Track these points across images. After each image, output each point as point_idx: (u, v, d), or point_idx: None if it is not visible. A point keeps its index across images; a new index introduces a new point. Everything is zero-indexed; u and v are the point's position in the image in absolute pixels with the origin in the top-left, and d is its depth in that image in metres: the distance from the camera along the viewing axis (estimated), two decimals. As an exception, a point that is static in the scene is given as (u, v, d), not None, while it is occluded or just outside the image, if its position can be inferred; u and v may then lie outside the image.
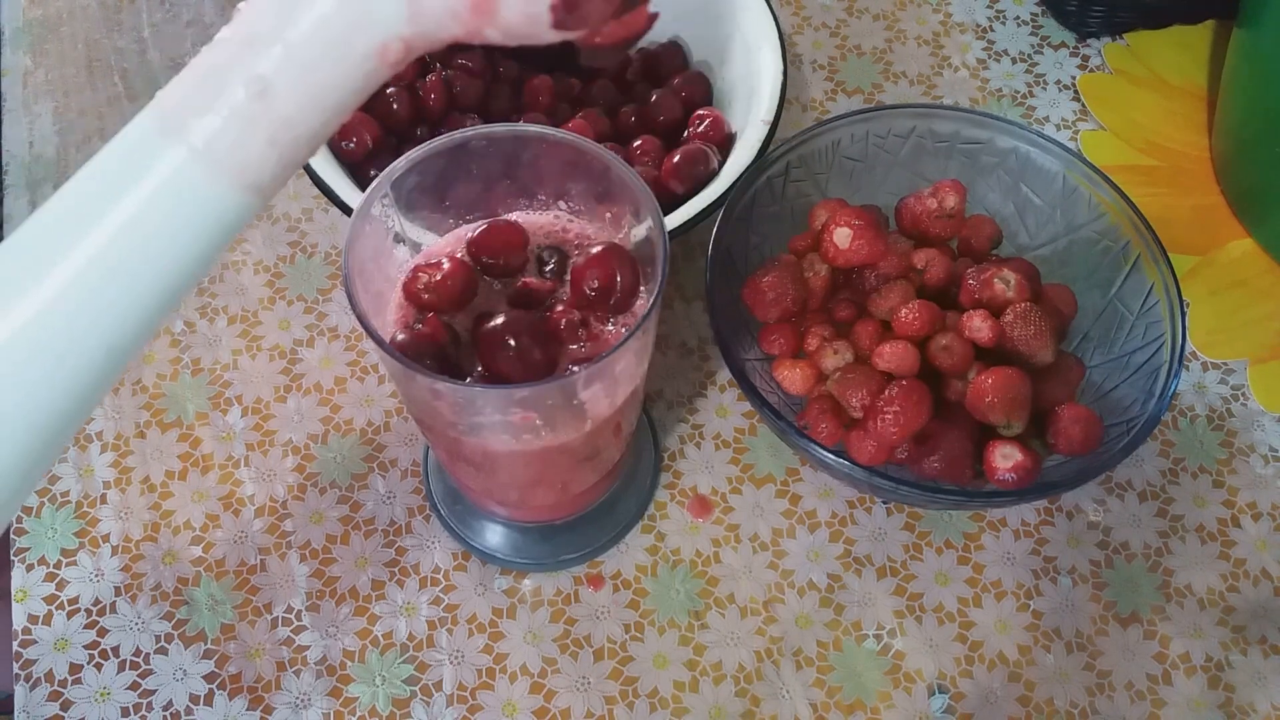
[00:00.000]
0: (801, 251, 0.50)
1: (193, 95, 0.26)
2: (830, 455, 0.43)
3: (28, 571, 0.48)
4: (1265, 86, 0.55)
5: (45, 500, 0.50)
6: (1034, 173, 0.51)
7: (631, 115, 0.54)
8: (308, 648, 0.47)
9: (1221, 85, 0.60)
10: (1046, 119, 0.63)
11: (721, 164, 0.50)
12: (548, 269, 0.39)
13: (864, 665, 0.47)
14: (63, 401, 0.27)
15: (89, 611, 0.47)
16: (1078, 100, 0.63)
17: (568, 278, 0.38)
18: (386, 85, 0.51)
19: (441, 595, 0.48)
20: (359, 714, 0.45)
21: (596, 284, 0.37)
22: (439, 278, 0.37)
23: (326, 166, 0.48)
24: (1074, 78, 0.64)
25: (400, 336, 0.36)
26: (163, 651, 0.47)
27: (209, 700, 0.46)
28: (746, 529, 0.50)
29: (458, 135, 0.36)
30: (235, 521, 0.49)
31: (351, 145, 0.50)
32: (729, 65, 0.55)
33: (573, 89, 0.55)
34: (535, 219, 0.40)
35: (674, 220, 0.46)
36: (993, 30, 0.66)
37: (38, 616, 0.47)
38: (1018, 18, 0.67)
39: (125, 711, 0.45)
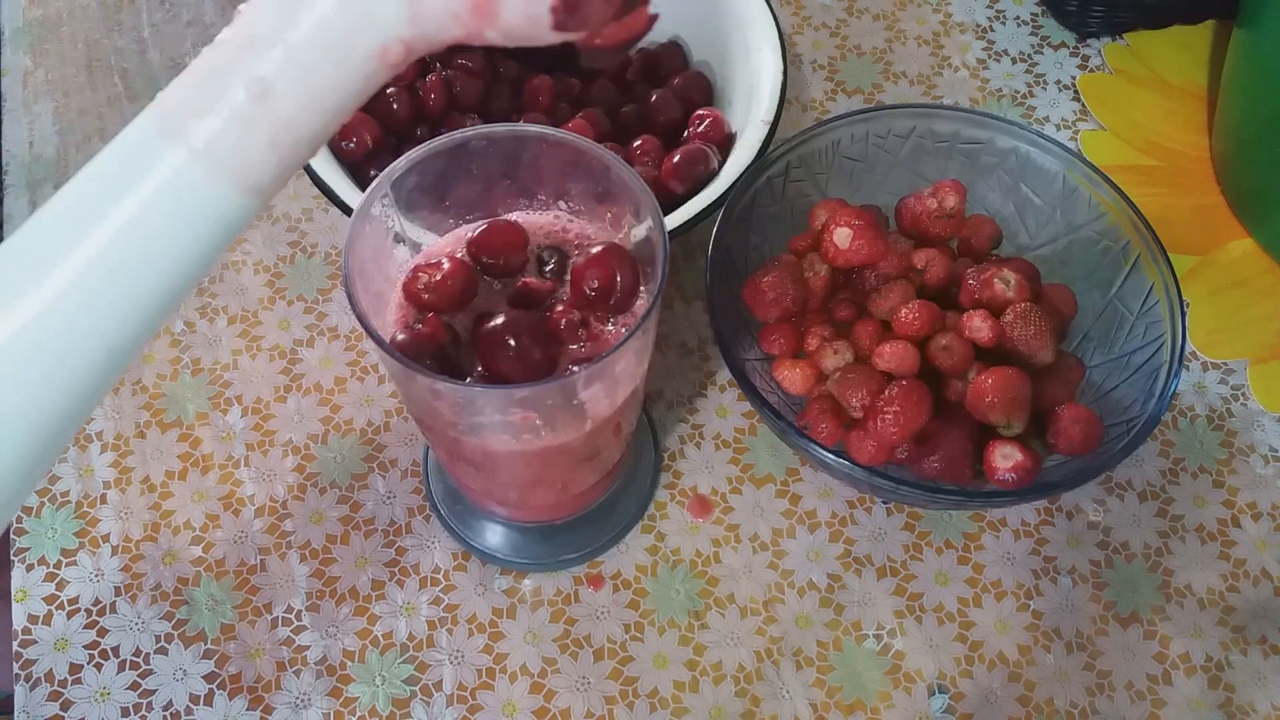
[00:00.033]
0: (801, 251, 0.50)
1: (193, 96, 0.26)
2: (830, 455, 0.43)
3: (28, 571, 0.48)
4: (1265, 86, 0.55)
5: (45, 500, 0.50)
6: (1034, 173, 0.51)
7: (631, 115, 0.54)
8: (308, 648, 0.47)
9: (1221, 85, 0.60)
10: (1046, 119, 0.63)
11: (721, 164, 0.49)
12: (548, 269, 0.39)
13: (864, 665, 0.47)
14: (63, 402, 0.27)
15: (89, 611, 0.47)
16: (1078, 100, 0.63)
17: (568, 278, 0.38)
18: (386, 85, 0.51)
19: (441, 595, 0.48)
20: (359, 714, 0.45)
21: (596, 284, 0.37)
22: (439, 278, 0.37)
23: (326, 166, 0.48)
24: (1074, 78, 0.64)
25: (400, 336, 0.36)
26: (163, 651, 0.47)
27: (209, 700, 0.46)
28: (746, 529, 0.50)
29: (458, 135, 0.36)
30: (235, 521, 0.49)
31: (351, 145, 0.50)
32: (729, 65, 0.55)
33: (573, 89, 0.55)
34: (535, 219, 0.40)
35: (674, 220, 0.46)
36: (993, 30, 0.66)
37: (38, 616, 0.47)
38: (1018, 18, 0.67)
39: (125, 711, 0.45)
